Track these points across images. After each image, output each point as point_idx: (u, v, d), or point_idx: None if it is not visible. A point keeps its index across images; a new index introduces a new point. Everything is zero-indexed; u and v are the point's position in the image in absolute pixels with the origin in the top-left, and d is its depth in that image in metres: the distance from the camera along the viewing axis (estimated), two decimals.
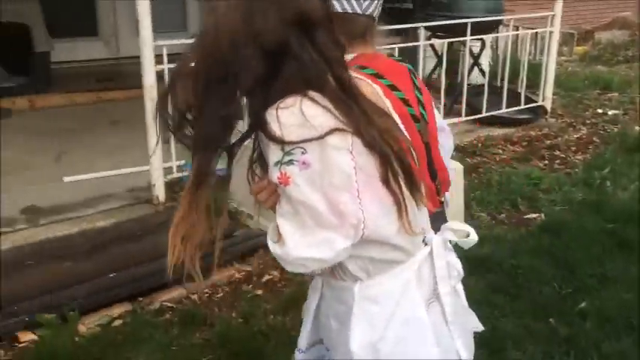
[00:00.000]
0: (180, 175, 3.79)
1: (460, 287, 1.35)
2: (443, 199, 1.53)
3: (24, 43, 5.73)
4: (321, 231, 1.05)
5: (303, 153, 1.03)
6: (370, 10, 1.42)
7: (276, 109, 1.04)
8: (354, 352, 1.18)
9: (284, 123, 1.03)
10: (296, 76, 1.05)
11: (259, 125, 1.05)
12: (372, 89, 1.23)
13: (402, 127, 1.22)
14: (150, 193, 3.68)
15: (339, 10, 1.39)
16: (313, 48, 1.06)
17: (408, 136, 1.22)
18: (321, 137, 1.02)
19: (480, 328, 1.39)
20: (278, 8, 1.04)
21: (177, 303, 2.89)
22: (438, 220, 1.39)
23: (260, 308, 2.84)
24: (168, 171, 3.76)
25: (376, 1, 1.42)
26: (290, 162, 1.03)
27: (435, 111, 1.57)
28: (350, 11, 1.40)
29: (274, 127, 1.03)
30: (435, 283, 1.24)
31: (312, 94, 1.05)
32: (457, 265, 1.31)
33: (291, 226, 1.07)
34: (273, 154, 1.05)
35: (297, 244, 1.06)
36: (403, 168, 1.10)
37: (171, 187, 3.74)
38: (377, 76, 1.36)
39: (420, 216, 1.20)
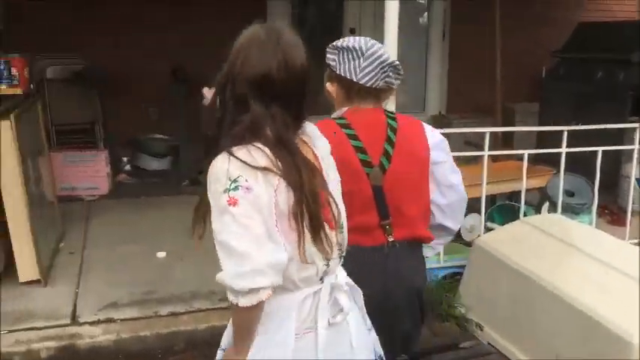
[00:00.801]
0: None
1: (352, 324, 1.49)
2: (391, 239, 1.80)
3: None
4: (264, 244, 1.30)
5: (246, 181, 1.28)
6: (364, 81, 1.78)
7: (231, 149, 1.31)
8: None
9: (235, 159, 1.29)
10: (247, 123, 1.33)
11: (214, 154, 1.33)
12: (308, 149, 1.45)
13: (333, 182, 1.47)
14: None
15: (341, 73, 1.79)
16: (265, 107, 1.34)
17: (336, 184, 1.49)
18: (256, 169, 1.29)
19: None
20: (247, 67, 1.34)
21: None
22: (380, 254, 1.79)
23: None
24: None
25: (372, 78, 1.78)
26: (236, 188, 1.27)
27: (446, 165, 1.88)
28: (348, 77, 1.79)
29: (226, 163, 1.30)
30: (316, 316, 1.41)
31: (257, 143, 1.32)
32: (344, 303, 1.46)
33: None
34: (219, 182, 1.29)
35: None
36: (310, 212, 1.33)
37: None
38: (343, 126, 1.78)
39: (318, 256, 1.38)
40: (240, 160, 1.29)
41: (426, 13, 7.17)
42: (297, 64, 1.37)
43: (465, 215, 3.99)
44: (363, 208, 1.76)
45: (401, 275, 1.83)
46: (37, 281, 3.38)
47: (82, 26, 5.79)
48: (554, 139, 3.95)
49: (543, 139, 5.71)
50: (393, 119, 1.85)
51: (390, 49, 3.05)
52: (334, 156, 1.56)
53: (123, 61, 5.97)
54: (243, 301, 1.27)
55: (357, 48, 1.79)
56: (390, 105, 2.07)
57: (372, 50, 1.78)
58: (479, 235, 4.10)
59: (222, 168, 1.29)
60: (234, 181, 1.27)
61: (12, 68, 3.30)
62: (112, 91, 5.81)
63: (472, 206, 4.18)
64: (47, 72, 5.69)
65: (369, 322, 1.60)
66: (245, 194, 1.27)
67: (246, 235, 1.26)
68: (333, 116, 1.86)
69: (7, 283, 3.38)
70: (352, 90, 1.81)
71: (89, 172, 5.03)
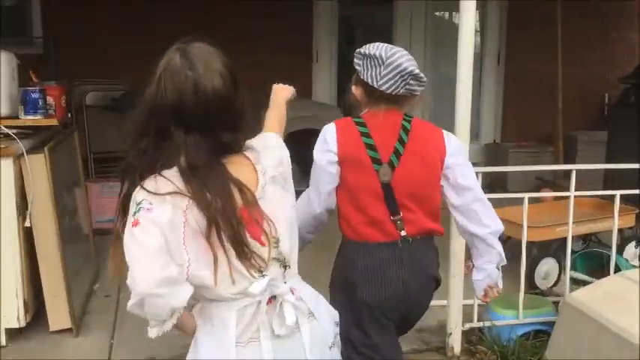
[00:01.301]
0: (480, 325, 3.13)
1: (306, 337, 1.49)
2: (404, 234, 1.91)
3: None
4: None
5: (150, 204, 1.35)
6: (384, 88, 1.88)
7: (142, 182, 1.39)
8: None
9: (142, 189, 1.38)
10: (165, 148, 1.39)
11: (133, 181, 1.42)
12: (245, 168, 1.46)
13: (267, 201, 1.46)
14: (442, 339, 3.07)
15: (364, 79, 1.91)
16: (185, 134, 1.39)
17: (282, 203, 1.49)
18: (162, 195, 1.36)
19: None
20: (169, 94, 1.39)
21: None
22: (395, 248, 1.91)
23: None
24: (467, 312, 3.10)
25: (392, 86, 1.88)
26: (139, 210, 1.35)
27: (460, 168, 1.96)
28: (370, 84, 1.90)
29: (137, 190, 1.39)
30: (259, 326, 1.44)
31: (166, 172, 1.39)
32: (287, 316, 1.45)
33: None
34: (131, 210, 1.38)
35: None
36: (230, 232, 1.37)
37: (468, 334, 3.09)
38: (359, 124, 1.93)
39: (246, 272, 1.40)
40: (145, 190, 1.37)
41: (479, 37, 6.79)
42: (209, 89, 1.38)
43: (538, 259, 3.70)
44: (372, 202, 1.89)
45: (419, 266, 1.94)
46: (69, 330, 3.08)
47: (121, 51, 5.59)
48: (625, 173, 3.52)
49: (611, 172, 5.26)
50: (409, 122, 1.95)
51: (464, 56, 2.85)
52: (346, 151, 1.90)
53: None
54: (152, 333, 1.41)
55: (378, 56, 1.88)
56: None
57: (392, 59, 1.87)
58: (555, 284, 3.71)
59: (132, 198, 1.39)
60: (138, 204, 1.36)
61: (48, 97, 3.03)
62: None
63: (543, 249, 3.78)
64: (87, 98, 5.49)
65: (331, 338, 1.58)
66: (145, 214, 1.34)
67: (140, 255, 1.33)
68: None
69: (36, 331, 3.09)
70: (373, 95, 1.91)
71: None
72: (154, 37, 5.99)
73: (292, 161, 1.59)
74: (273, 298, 1.44)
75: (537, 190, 5.94)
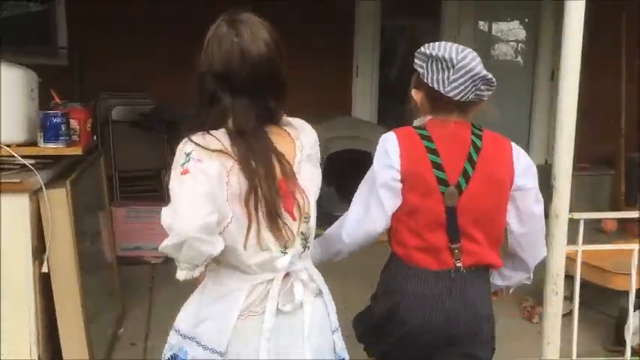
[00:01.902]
0: None
1: (307, 317, 1.47)
2: (459, 264, 1.71)
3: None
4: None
5: (199, 155, 1.36)
6: (453, 94, 1.68)
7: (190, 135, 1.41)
8: (179, 316, 1.53)
9: (191, 142, 1.39)
10: (213, 112, 1.43)
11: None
12: (286, 141, 1.47)
13: (306, 177, 1.47)
14: None
15: (429, 83, 1.70)
16: (232, 99, 1.41)
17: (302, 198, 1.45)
18: (211, 150, 1.37)
19: None
20: (211, 63, 1.42)
21: None
22: (446, 278, 1.72)
23: None
24: None
25: (462, 92, 1.67)
26: (188, 160, 1.36)
27: (532, 193, 1.76)
28: (436, 88, 1.69)
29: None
30: (266, 302, 1.44)
31: (214, 132, 1.41)
32: (297, 293, 1.46)
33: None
34: (178, 162, 1.37)
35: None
36: (266, 200, 1.38)
37: None
38: (424, 138, 1.72)
39: (274, 243, 1.41)
40: (195, 143, 1.38)
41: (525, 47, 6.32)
42: (255, 54, 1.40)
43: (628, 311, 3.20)
44: (432, 227, 1.71)
45: (467, 301, 1.75)
46: None
47: (150, 64, 5.24)
48: None
49: None
50: (479, 137, 1.75)
51: (571, 55, 2.43)
52: (410, 169, 1.69)
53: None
54: (182, 275, 1.38)
55: (448, 58, 1.68)
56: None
57: (464, 62, 1.67)
58: None
59: (180, 149, 1.39)
60: (188, 154, 1.36)
61: (71, 121, 2.64)
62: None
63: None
64: (113, 113, 5.14)
65: (335, 323, 1.57)
66: (195, 164, 1.35)
67: (189, 198, 1.33)
68: (415, 124, 1.80)
69: None
70: (439, 101, 1.72)
71: (156, 230, 4.34)
72: (183, 49, 5.68)
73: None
74: (287, 275, 1.46)
75: (597, 221, 5.50)
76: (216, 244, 1.34)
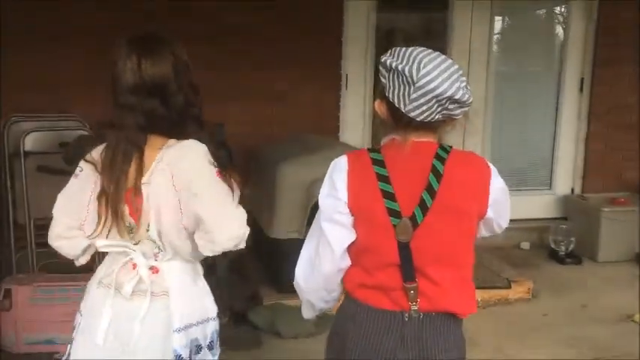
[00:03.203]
0: None
1: (142, 307, 1.62)
2: (414, 307, 1.51)
3: None
4: None
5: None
6: (414, 115, 1.46)
7: None
8: None
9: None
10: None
11: None
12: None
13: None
14: None
15: (390, 98, 1.49)
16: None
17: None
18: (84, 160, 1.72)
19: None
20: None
21: None
22: (399, 321, 1.52)
23: None
24: None
25: (425, 113, 1.46)
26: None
27: (502, 219, 1.62)
28: (396, 105, 1.48)
29: None
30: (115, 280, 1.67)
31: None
32: (126, 286, 1.63)
33: None
34: None
35: None
36: (112, 203, 1.59)
37: None
38: (376, 162, 1.51)
39: (120, 241, 1.65)
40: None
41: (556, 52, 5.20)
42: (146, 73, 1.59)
43: None
44: (384, 264, 1.52)
45: (423, 347, 1.52)
46: None
47: (80, 78, 4.01)
48: None
49: None
50: (442, 160, 1.49)
51: None
52: (357, 199, 1.51)
53: None
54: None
55: (408, 74, 1.43)
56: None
57: (425, 80, 1.42)
58: None
59: None
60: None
61: None
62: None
63: None
64: (26, 141, 3.87)
65: (178, 325, 1.63)
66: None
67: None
68: (382, 142, 1.59)
69: None
70: (401, 120, 1.49)
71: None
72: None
73: None
74: (135, 265, 1.65)
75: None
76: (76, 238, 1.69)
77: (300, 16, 4.39)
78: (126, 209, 1.60)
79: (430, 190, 1.47)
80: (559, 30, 5.20)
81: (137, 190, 1.59)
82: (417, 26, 5.19)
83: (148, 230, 1.60)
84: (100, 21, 4.01)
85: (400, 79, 1.46)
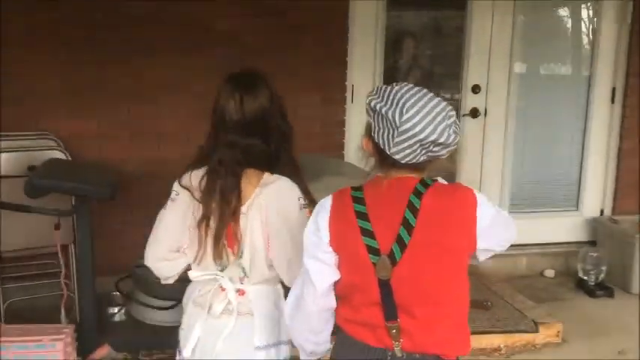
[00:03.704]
0: None
1: (228, 325, 1.78)
2: (397, 347, 1.49)
3: None
4: None
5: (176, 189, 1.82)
6: (398, 157, 1.45)
7: None
8: None
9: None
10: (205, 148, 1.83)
11: None
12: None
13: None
14: None
15: (375, 138, 1.48)
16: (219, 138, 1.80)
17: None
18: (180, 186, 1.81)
19: None
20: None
21: None
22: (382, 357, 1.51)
23: None
24: None
25: (409, 156, 1.45)
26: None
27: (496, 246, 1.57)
28: (380, 146, 1.47)
29: None
30: (209, 302, 1.81)
31: (198, 169, 1.80)
32: (219, 307, 1.79)
33: None
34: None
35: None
36: (214, 230, 1.73)
37: None
38: (356, 200, 1.51)
39: (213, 264, 1.78)
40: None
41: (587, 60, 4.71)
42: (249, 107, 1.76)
43: None
44: (367, 302, 1.52)
45: None
46: None
47: (55, 92, 3.58)
48: None
49: None
50: (419, 195, 1.47)
51: None
52: (338, 238, 1.53)
53: (118, 146, 3.76)
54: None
55: (391, 118, 1.43)
56: None
57: (408, 125, 1.41)
58: None
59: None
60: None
61: None
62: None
63: None
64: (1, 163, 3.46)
65: (262, 342, 1.78)
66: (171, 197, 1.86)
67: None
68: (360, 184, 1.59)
69: None
70: (386, 160, 1.49)
71: None
72: (111, 70, 3.83)
73: None
74: (224, 289, 1.79)
75: None
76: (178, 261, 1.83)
77: (299, 20, 3.94)
78: (224, 236, 1.72)
79: (407, 226, 1.46)
80: (589, 32, 4.70)
81: (236, 220, 1.72)
82: (431, 26, 4.72)
83: (240, 257, 1.75)
84: (75, 32, 3.59)
85: (384, 122, 1.45)
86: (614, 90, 4.59)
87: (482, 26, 4.41)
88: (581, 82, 4.67)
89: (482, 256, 1.56)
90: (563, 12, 4.84)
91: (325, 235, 1.53)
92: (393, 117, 1.42)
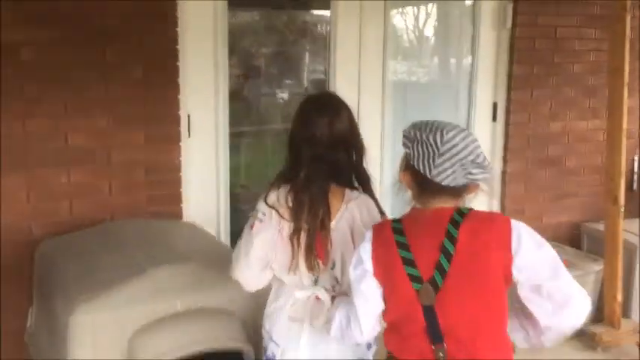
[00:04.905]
0: None
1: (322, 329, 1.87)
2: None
3: None
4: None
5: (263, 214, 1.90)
6: (439, 179, 1.56)
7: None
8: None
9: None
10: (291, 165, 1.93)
11: None
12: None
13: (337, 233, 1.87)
14: None
15: (415, 165, 1.60)
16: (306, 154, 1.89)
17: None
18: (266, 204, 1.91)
19: None
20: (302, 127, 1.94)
21: None
22: None
23: None
24: None
25: (450, 176, 1.55)
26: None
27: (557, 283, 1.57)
28: (421, 172, 1.59)
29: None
30: (304, 312, 1.91)
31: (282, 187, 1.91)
32: (320, 316, 1.88)
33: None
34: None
35: None
36: (305, 243, 1.85)
37: None
38: (396, 231, 1.63)
39: (307, 275, 1.90)
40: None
41: None
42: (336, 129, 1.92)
43: None
44: (411, 327, 1.62)
45: None
46: None
47: None
48: None
49: None
50: (457, 224, 1.57)
51: None
52: (383, 270, 1.63)
53: None
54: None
55: (433, 142, 1.57)
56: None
57: (449, 145, 1.56)
58: None
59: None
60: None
61: None
62: None
63: None
64: None
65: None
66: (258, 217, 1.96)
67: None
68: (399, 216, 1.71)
69: None
70: (427, 186, 1.61)
71: None
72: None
73: None
74: (318, 298, 1.89)
75: None
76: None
77: (107, 28, 2.79)
78: (315, 248, 1.85)
79: (446, 254, 1.56)
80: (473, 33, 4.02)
81: (327, 232, 1.85)
82: (291, 27, 3.82)
83: (332, 268, 1.89)
84: None
85: (424, 147, 1.58)
86: (495, 105, 3.99)
87: (349, 28, 3.54)
88: (464, 95, 4.02)
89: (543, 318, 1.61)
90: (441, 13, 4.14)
91: (369, 265, 1.64)
92: (435, 140, 1.56)
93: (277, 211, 1.85)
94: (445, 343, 1.57)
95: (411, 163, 1.60)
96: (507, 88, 3.95)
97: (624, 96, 3.38)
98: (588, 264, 3.74)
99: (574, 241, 4.17)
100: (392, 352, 1.69)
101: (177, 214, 3.03)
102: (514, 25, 3.86)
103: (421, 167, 1.57)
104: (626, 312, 3.71)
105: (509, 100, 3.95)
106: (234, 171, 3.46)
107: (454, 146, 1.54)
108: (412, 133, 1.61)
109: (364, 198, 1.92)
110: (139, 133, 2.91)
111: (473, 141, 1.57)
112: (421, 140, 1.57)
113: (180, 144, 3.05)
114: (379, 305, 1.66)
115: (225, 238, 3.26)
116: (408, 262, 1.57)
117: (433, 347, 1.58)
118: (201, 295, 2.18)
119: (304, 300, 1.89)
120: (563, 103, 4.07)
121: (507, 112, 3.96)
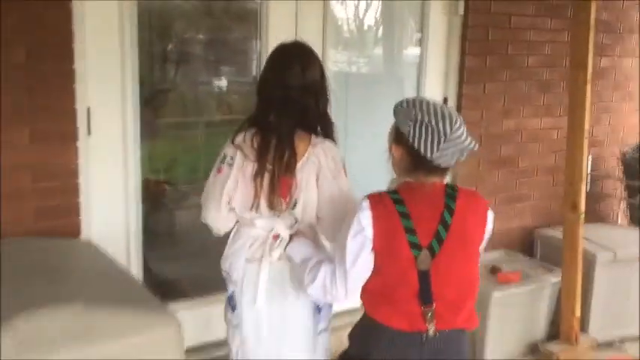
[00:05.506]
0: None
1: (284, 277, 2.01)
2: (432, 328, 1.74)
3: None
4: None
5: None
6: (439, 162, 1.70)
7: None
8: None
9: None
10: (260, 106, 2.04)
11: None
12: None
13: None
14: None
15: (415, 146, 1.70)
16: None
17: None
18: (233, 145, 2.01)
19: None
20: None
21: None
22: (417, 342, 1.76)
23: None
24: None
25: (449, 160, 1.71)
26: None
27: None
28: (422, 152, 1.69)
29: None
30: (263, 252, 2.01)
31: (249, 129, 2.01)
32: (277, 252, 2.00)
33: None
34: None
35: None
36: (269, 182, 1.93)
37: None
38: (397, 202, 1.74)
39: (268, 214, 1.98)
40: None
41: None
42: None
43: None
44: (404, 290, 1.75)
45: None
46: None
47: None
48: None
49: None
50: (453, 198, 1.77)
51: None
52: (384, 238, 1.73)
53: None
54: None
55: (442, 130, 1.67)
56: None
57: (457, 134, 1.68)
58: None
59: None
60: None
61: None
62: None
63: None
64: None
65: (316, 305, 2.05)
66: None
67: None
68: (390, 186, 1.83)
69: None
70: (422, 165, 1.74)
71: None
72: None
73: None
74: (277, 236, 2.00)
75: None
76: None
77: None
78: (278, 187, 1.92)
79: (444, 224, 1.73)
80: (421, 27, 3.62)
81: (292, 174, 1.92)
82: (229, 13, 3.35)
83: (293, 208, 1.96)
84: None
85: (429, 131, 1.67)
86: (445, 101, 3.61)
87: (281, 11, 3.07)
88: (411, 88, 3.62)
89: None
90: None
91: (370, 232, 1.72)
92: (444, 128, 1.67)
93: (242, 150, 1.93)
94: (434, 305, 1.73)
95: (410, 141, 1.69)
96: (459, 81, 3.59)
97: (587, 94, 3.07)
98: (544, 275, 3.44)
99: (526, 247, 3.88)
100: (380, 320, 1.78)
101: (74, 230, 2.49)
102: (466, 11, 3.49)
103: (422, 148, 1.68)
104: (583, 326, 3.44)
105: (460, 94, 3.59)
106: (157, 165, 2.99)
107: (459, 136, 1.68)
108: (414, 114, 1.69)
109: (329, 144, 2.00)
110: (23, 129, 2.35)
111: (465, 127, 1.72)
112: (428, 124, 1.67)
113: (78, 143, 2.50)
114: (369, 270, 1.77)
115: (136, 259, 2.73)
116: (410, 231, 1.71)
117: (423, 308, 1.73)
118: (91, 349, 1.67)
119: (262, 240, 2.00)
120: (517, 98, 3.76)
121: (459, 108, 3.59)
